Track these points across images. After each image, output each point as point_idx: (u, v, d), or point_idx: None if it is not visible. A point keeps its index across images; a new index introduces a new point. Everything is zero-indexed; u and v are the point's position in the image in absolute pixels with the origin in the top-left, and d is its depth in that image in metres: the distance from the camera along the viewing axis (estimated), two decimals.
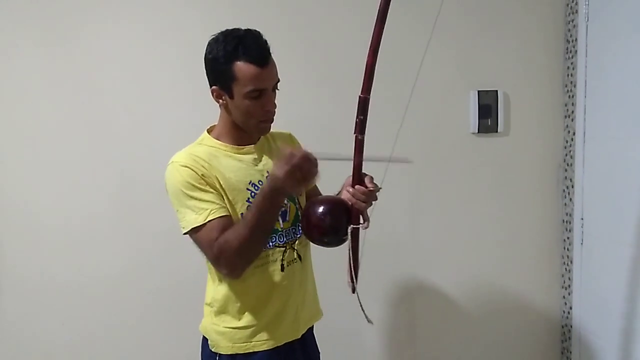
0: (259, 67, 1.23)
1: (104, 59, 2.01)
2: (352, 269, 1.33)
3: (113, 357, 2.11)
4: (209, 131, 1.40)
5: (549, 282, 2.32)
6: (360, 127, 1.25)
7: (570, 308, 2.24)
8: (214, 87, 1.30)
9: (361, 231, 1.30)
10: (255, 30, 1.28)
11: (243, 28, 1.28)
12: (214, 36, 1.28)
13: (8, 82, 1.99)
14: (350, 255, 1.31)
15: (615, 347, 1.99)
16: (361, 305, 1.34)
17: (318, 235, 1.31)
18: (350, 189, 1.27)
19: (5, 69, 1.98)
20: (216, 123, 1.40)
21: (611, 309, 2.00)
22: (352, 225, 1.28)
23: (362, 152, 1.27)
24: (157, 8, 2.02)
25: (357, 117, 1.25)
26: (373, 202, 1.29)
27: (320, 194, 1.54)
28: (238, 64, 1.23)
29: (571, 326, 2.24)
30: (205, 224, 1.24)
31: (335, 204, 1.30)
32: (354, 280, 1.34)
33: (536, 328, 2.34)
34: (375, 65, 1.23)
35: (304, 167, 1.12)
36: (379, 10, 1.21)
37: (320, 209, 1.28)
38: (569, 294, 2.25)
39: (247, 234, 1.20)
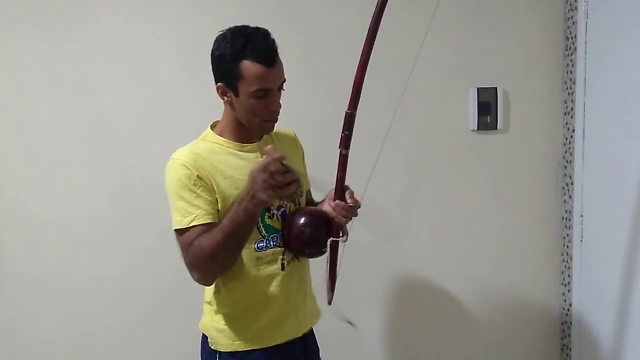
0: (266, 66, 1.22)
1: (103, 58, 2.01)
2: (330, 280, 1.36)
3: (113, 356, 2.11)
4: (212, 127, 1.39)
5: (548, 279, 2.32)
6: (345, 142, 1.27)
7: (570, 305, 2.24)
8: (219, 83, 1.29)
9: (340, 244, 1.33)
10: (264, 29, 1.27)
11: (252, 26, 1.27)
12: (221, 32, 1.27)
13: (7, 81, 1.98)
14: (329, 267, 1.33)
15: (615, 343, 2.00)
16: (344, 319, 1.38)
17: (297, 245, 1.34)
18: (332, 203, 1.29)
19: (4, 68, 1.98)
20: (218, 119, 1.40)
21: (611, 306, 2.00)
22: (331, 238, 1.29)
23: (346, 167, 1.29)
24: (157, 7, 2.02)
25: (342, 132, 1.26)
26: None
27: (312, 199, 1.56)
28: (245, 62, 1.22)
29: (571, 323, 2.25)
30: (188, 227, 1.24)
31: (316, 217, 1.33)
32: (332, 291, 1.37)
33: (536, 325, 2.34)
34: (363, 81, 1.24)
35: (277, 177, 1.08)
36: (369, 28, 1.22)
37: (302, 220, 1.31)
38: (569, 291, 2.25)
39: (221, 239, 1.19)
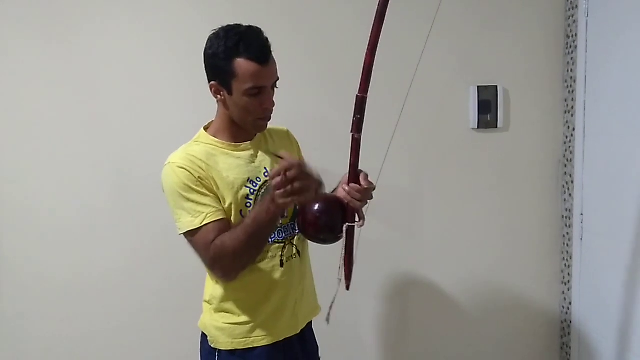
0: (260, 64, 1.23)
1: (102, 57, 2.01)
2: (347, 267, 1.34)
3: (112, 353, 2.11)
4: (205, 128, 1.39)
5: (548, 277, 2.32)
6: (357, 125, 1.26)
7: (570, 303, 2.25)
8: (212, 82, 1.29)
9: (357, 229, 1.31)
10: (257, 27, 1.27)
11: (244, 24, 1.27)
12: (214, 31, 1.27)
13: (6, 80, 1.98)
14: (344, 252, 1.32)
15: (615, 342, 2.00)
16: (332, 303, 1.35)
17: (314, 232, 1.32)
18: (346, 187, 1.28)
19: (3, 67, 1.98)
20: (212, 120, 1.40)
21: (610, 305, 2.00)
22: (347, 223, 1.28)
23: (359, 151, 1.27)
24: (156, 6, 2.01)
25: (354, 116, 1.25)
26: (369, 200, 1.30)
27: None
28: (238, 60, 1.22)
29: (570, 322, 2.25)
30: (201, 227, 1.24)
31: (331, 202, 1.31)
32: (349, 278, 1.35)
33: (536, 323, 2.34)
34: (373, 64, 1.23)
35: (296, 185, 1.08)
36: (377, 10, 1.21)
37: (316, 207, 1.29)
38: (569, 289, 2.26)
39: (245, 238, 1.20)
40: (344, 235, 1.29)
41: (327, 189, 1.43)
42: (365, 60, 1.23)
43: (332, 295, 1.35)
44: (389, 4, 1.21)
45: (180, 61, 2.02)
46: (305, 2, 2.08)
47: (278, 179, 1.08)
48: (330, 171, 1.38)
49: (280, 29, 1.33)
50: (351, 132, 1.26)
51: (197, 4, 2.03)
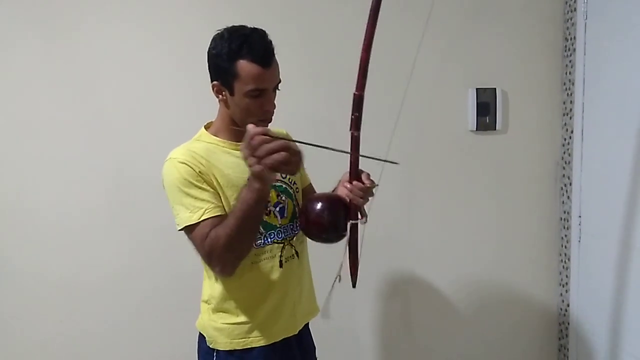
0: (262, 67, 1.23)
1: (101, 56, 2.01)
2: (353, 264, 1.34)
3: (111, 354, 2.11)
4: (206, 127, 1.40)
5: (546, 279, 2.33)
6: (356, 124, 1.26)
7: (568, 305, 2.25)
8: (215, 82, 1.30)
9: (360, 226, 1.31)
10: (261, 30, 1.28)
11: (249, 26, 1.28)
12: (219, 31, 1.28)
13: (5, 79, 1.98)
14: (349, 250, 1.32)
15: (612, 344, 2.00)
16: (329, 296, 1.34)
17: (317, 232, 1.32)
18: (348, 185, 1.28)
19: (2, 66, 1.98)
20: (213, 120, 1.41)
21: (608, 306, 2.01)
22: (350, 221, 1.29)
23: (358, 149, 1.28)
24: (155, 5, 2.02)
25: (352, 114, 1.25)
26: (370, 198, 1.30)
27: (315, 192, 1.55)
28: (241, 62, 1.23)
29: (568, 323, 2.25)
30: (199, 222, 1.24)
31: (333, 201, 1.31)
32: (356, 275, 1.35)
33: (533, 325, 2.35)
34: (369, 61, 1.23)
35: (262, 148, 1.07)
36: (371, 6, 1.22)
37: (319, 206, 1.29)
38: (567, 291, 2.26)
39: (234, 223, 1.19)
40: (348, 233, 1.29)
41: (328, 189, 1.44)
42: (361, 58, 1.23)
43: (335, 292, 1.35)
44: (385, 2, 1.22)
45: (180, 62, 2.02)
46: (301, 2, 2.09)
47: (245, 150, 1.09)
48: (329, 171, 1.39)
49: (277, 29, 1.33)
50: (350, 130, 1.27)
51: (197, 5, 2.03)
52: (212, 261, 1.26)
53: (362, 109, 1.25)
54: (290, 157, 1.09)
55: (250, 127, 1.09)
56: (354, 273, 1.35)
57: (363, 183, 1.27)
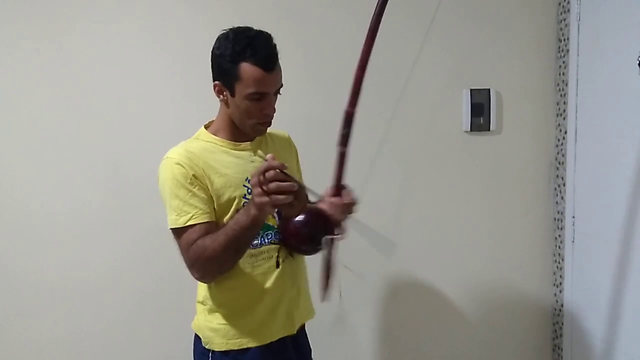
0: (265, 70, 1.23)
1: (97, 56, 2.00)
2: (326, 278, 1.36)
3: (106, 355, 2.10)
4: (206, 127, 1.40)
5: (540, 279, 2.34)
6: (344, 140, 1.27)
7: (562, 305, 2.26)
8: (217, 82, 1.30)
9: (337, 241, 1.34)
10: (267, 33, 1.28)
11: (255, 28, 1.28)
12: (224, 31, 1.28)
13: (1, 79, 1.97)
14: (325, 264, 1.34)
15: (606, 343, 2.01)
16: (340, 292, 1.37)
17: (295, 243, 1.36)
18: (329, 200, 1.29)
19: None
20: (212, 120, 1.41)
21: (602, 306, 2.01)
22: (328, 236, 1.30)
23: (344, 165, 1.29)
24: (151, 6, 2.01)
25: (342, 130, 1.27)
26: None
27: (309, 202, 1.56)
28: (244, 64, 1.23)
29: (562, 323, 2.26)
30: (185, 227, 1.24)
31: (313, 215, 1.33)
32: (326, 289, 1.38)
33: (528, 325, 2.35)
34: (363, 80, 1.24)
35: (271, 185, 1.06)
36: (369, 27, 1.23)
37: (299, 219, 1.32)
38: (561, 291, 2.27)
39: (224, 241, 1.20)
40: (325, 247, 1.31)
41: (315, 198, 1.44)
42: (355, 76, 1.24)
43: (331, 293, 1.35)
44: (381, 22, 1.23)
45: (175, 62, 2.02)
46: (300, 4, 2.09)
47: (256, 178, 1.08)
48: (325, 175, 1.38)
49: (276, 29, 1.33)
50: (337, 145, 1.28)
51: (193, 5, 2.03)
52: (193, 268, 1.27)
53: (352, 125, 1.26)
54: (295, 202, 1.10)
55: (270, 158, 1.08)
56: (324, 287, 1.38)
57: (342, 200, 1.30)
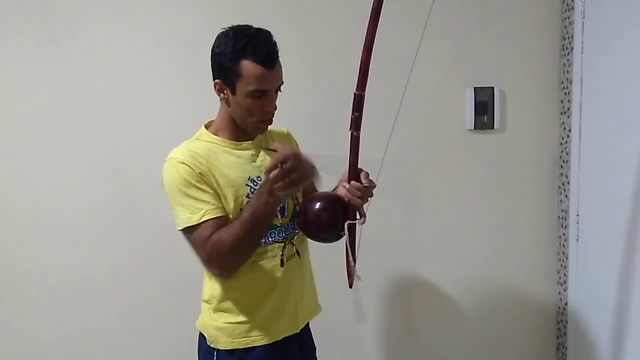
0: (265, 68, 1.23)
1: (99, 56, 2.00)
2: (348, 265, 1.34)
3: (110, 354, 2.11)
4: (206, 126, 1.40)
5: (544, 278, 2.33)
6: (356, 123, 1.26)
7: (566, 304, 2.25)
8: (217, 80, 1.30)
9: (358, 226, 1.31)
10: (267, 30, 1.28)
11: (254, 26, 1.28)
12: (224, 29, 1.28)
13: (3, 79, 1.97)
14: (348, 250, 1.32)
15: (610, 342, 2.01)
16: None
17: (315, 231, 1.32)
18: (347, 185, 1.28)
19: (1, 67, 1.97)
20: (212, 119, 1.40)
21: (606, 305, 2.01)
22: (348, 221, 1.29)
23: (358, 149, 1.28)
24: (152, 7, 2.01)
25: (352, 114, 1.26)
26: (369, 198, 1.31)
27: (317, 191, 1.55)
28: (245, 62, 1.23)
29: (566, 322, 2.26)
30: (199, 223, 1.24)
31: (332, 201, 1.31)
32: (352, 275, 1.36)
33: (531, 323, 2.35)
34: (369, 62, 1.24)
35: (295, 173, 1.11)
36: (372, 7, 1.22)
37: (317, 206, 1.30)
38: (565, 289, 2.27)
39: (242, 233, 1.20)
40: (346, 233, 1.30)
41: (327, 188, 1.44)
42: (361, 59, 1.24)
43: (335, 291, 1.33)
44: (383, 3, 1.22)
45: (176, 62, 2.02)
46: (300, 2, 2.08)
47: (275, 172, 1.09)
48: (329, 170, 1.39)
49: (276, 29, 1.33)
50: (350, 130, 1.27)
51: (193, 5, 2.02)
52: (211, 264, 1.27)
53: (362, 108, 1.26)
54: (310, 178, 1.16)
55: (280, 149, 1.12)
56: (350, 273, 1.36)
57: (361, 183, 1.28)
